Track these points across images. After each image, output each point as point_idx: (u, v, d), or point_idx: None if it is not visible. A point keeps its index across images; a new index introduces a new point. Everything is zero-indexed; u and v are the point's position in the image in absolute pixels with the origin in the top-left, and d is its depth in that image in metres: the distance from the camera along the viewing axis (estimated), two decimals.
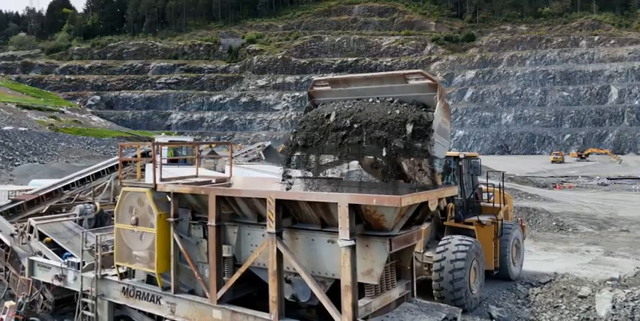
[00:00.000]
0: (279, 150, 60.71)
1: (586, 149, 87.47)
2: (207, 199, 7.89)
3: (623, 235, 23.21)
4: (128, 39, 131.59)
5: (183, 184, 8.67)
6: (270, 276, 7.04)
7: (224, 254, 7.88)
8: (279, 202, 6.94)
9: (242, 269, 7.50)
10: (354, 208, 6.25)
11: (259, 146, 46.80)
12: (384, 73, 7.44)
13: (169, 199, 8.57)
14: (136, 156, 25.97)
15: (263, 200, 7.14)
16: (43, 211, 20.87)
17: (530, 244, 20.79)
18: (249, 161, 38.64)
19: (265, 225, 7.33)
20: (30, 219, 12.08)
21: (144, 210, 8.63)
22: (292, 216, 7.21)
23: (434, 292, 10.16)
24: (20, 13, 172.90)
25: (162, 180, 8.79)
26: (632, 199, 35.60)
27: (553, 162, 74.07)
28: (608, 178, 51.32)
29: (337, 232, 6.65)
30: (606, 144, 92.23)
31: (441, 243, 10.64)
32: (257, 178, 10.36)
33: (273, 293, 7.04)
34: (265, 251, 7.20)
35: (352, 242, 6.18)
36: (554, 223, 26.00)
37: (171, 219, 8.29)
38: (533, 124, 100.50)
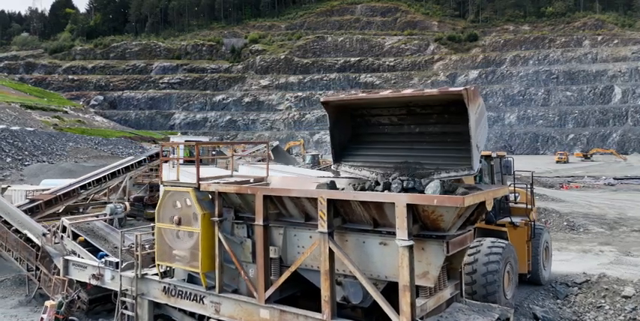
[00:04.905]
0: (285, 149, 60.79)
1: (590, 149, 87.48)
2: (252, 198, 7.90)
3: (634, 236, 23.23)
4: (131, 39, 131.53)
5: (224, 183, 8.69)
6: (322, 276, 7.04)
7: (271, 255, 7.89)
8: (331, 202, 6.95)
9: (292, 269, 7.50)
10: (411, 209, 6.26)
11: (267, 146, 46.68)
12: (401, 93, 7.11)
13: (210, 198, 8.61)
14: (156, 154, 26.02)
15: (312, 200, 7.14)
16: (60, 210, 20.96)
17: None
18: (258, 161, 38.63)
19: (313, 225, 7.36)
20: (63, 218, 12.10)
21: (186, 209, 8.65)
22: (342, 216, 7.19)
23: (465, 296, 9.72)
24: (23, 13, 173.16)
25: (201, 179, 8.80)
26: None
27: (557, 162, 74.10)
28: (614, 178, 51.34)
29: (390, 232, 6.68)
30: (610, 144, 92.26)
31: (472, 245, 10.24)
32: (294, 178, 10.37)
33: (325, 293, 7.03)
34: (313, 252, 7.22)
35: (411, 242, 6.20)
36: (565, 223, 26.01)
37: (216, 218, 8.29)
38: (537, 124, 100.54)
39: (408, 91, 6.70)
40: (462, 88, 6.14)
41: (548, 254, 13.27)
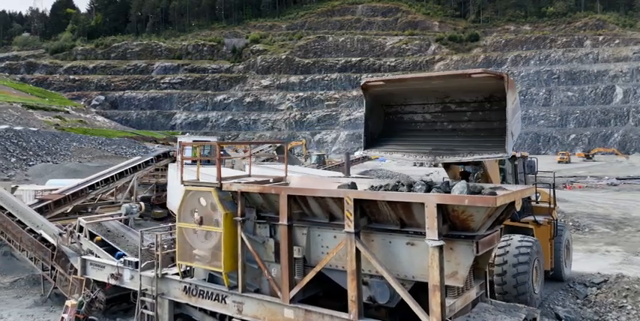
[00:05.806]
0: (288, 148, 60.79)
1: (591, 149, 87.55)
2: (275, 198, 7.90)
3: None
4: (132, 39, 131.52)
5: (246, 183, 8.70)
6: (349, 276, 7.03)
7: (295, 255, 7.88)
8: (357, 202, 6.94)
9: (317, 269, 7.48)
10: (440, 209, 6.26)
11: (271, 146, 46.98)
12: (444, 72, 7.47)
13: (231, 198, 8.61)
14: (163, 154, 26.03)
15: (338, 200, 7.14)
16: (68, 210, 20.99)
17: None
18: (263, 161, 38.70)
19: (337, 225, 7.36)
20: (80, 218, 12.11)
21: (208, 209, 8.65)
22: (368, 216, 7.18)
23: (497, 295, 9.80)
24: (24, 13, 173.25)
25: (222, 179, 8.80)
26: None
27: (559, 162, 74.07)
28: (617, 178, 51.37)
29: (417, 232, 6.68)
30: (611, 144, 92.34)
31: (500, 244, 10.24)
32: (313, 178, 10.38)
33: (352, 293, 7.02)
34: (338, 252, 7.21)
35: (441, 242, 6.18)
36: (570, 224, 26.02)
37: (239, 218, 8.29)
38: (538, 124, 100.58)
39: (452, 72, 6.97)
40: (503, 72, 6.45)
41: (569, 252, 13.55)
